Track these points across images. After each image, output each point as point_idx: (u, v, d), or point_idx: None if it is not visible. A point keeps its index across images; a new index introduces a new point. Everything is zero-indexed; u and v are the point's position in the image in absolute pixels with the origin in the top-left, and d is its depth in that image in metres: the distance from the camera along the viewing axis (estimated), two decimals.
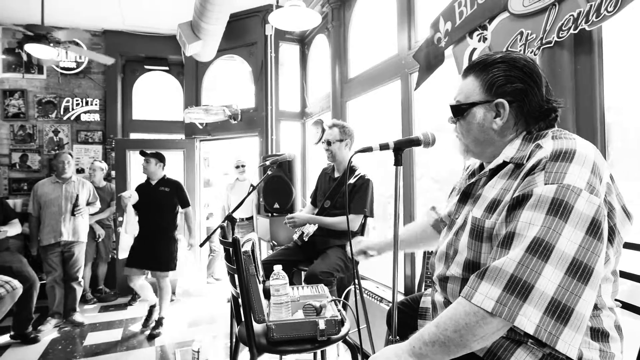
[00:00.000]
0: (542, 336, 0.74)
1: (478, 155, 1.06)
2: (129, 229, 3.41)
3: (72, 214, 3.62)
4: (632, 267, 1.09)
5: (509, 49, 1.74)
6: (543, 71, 1.01)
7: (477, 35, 1.94)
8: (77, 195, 3.66)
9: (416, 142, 1.09)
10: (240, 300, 1.27)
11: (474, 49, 1.96)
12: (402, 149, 1.08)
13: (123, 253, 3.51)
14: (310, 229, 2.25)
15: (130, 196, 3.32)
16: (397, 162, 1.06)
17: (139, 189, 3.51)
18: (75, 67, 4.76)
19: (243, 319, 1.44)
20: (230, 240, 1.22)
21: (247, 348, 1.21)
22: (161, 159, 3.53)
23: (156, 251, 3.44)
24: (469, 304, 0.81)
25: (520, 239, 0.80)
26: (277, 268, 1.33)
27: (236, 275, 1.22)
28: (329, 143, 2.35)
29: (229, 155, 5.67)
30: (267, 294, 1.36)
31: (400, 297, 2.37)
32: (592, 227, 0.77)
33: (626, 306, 1.04)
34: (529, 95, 0.95)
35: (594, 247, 0.77)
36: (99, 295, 4.50)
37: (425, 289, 2.14)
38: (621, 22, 1.48)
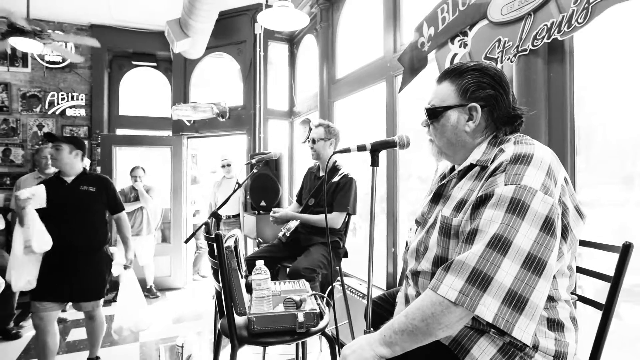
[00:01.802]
0: (499, 324, 0.81)
1: (450, 157, 1.12)
2: (37, 244, 2.25)
3: None
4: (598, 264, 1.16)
5: (488, 55, 1.81)
6: (511, 80, 1.08)
7: (459, 41, 2.00)
8: None
9: (392, 144, 1.14)
10: (222, 293, 1.31)
11: (455, 54, 2.03)
12: (378, 151, 1.13)
13: (18, 280, 2.34)
14: (292, 224, 2.32)
15: (32, 196, 2.26)
16: (374, 163, 1.12)
17: (48, 187, 2.39)
18: (60, 60, 4.70)
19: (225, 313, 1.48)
20: (213, 235, 1.26)
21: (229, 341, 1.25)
22: (79, 145, 2.53)
23: (81, 275, 2.46)
24: (435, 295, 0.87)
25: (482, 235, 0.87)
26: (259, 263, 1.37)
27: (218, 269, 1.26)
28: (313, 141, 2.40)
29: (217, 152, 5.68)
30: (250, 289, 1.40)
31: (379, 292, 2.44)
32: (545, 225, 0.84)
33: (582, 299, 1.11)
34: (499, 101, 1.03)
35: (547, 242, 0.84)
36: None
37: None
38: (594, 33, 1.56)
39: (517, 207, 0.85)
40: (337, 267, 2.39)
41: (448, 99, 1.06)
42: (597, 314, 1.05)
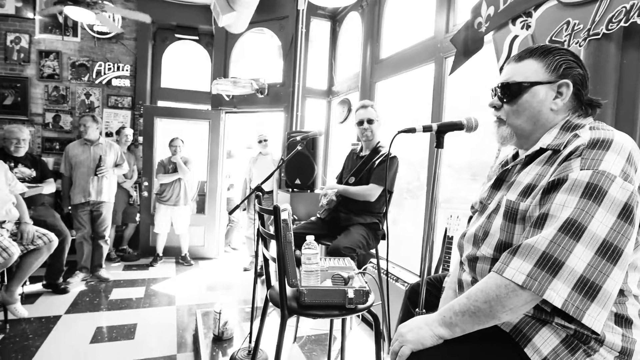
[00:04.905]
0: (569, 310, 0.79)
1: (523, 140, 1.08)
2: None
3: (95, 174, 3.74)
4: None
5: (554, 38, 1.71)
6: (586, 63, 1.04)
7: (521, 22, 1.90)
8: (100, 157, 3.78)
9: (459, 126, 1.11)
10: (274, 264, 1.35)
11: (516, 36, 1.93)
12: (444, 132, 1.11)
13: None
14: (334, 198, 2.35)
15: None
16: (439, 145, 1.09)
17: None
18: (109, 31, 4.82)
19: (273, 283, 1.53)
20: (270, 208, 1.29)
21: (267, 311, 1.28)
22: None
23: None
24: (500, 278, 0.87)
25: (553, 219, 0.85)
26: (310, 238, 1.40)
27: (273, 241, 1.29)
28: (369, 122, 2.38)
29: (253, 129, 5.73)
30: (298, 263, 1.43)
31: (417, 279, 2.43)
32: (624, 212, 0.81)
33: None
34: (585, 82, 1.01)
35: (624, 230, 0.81)
36: (123, 255, 4.72)
37: (442, 271, 2.20)
38: None
39: (593, 193, 0.82)
40: (375, 249, 2.39)
41: (534, 75, 1.02)
42: None
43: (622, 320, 0.92)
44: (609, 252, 0.80)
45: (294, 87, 4.34)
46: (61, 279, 3.55)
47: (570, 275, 0.80)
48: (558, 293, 0.80)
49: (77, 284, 3.70)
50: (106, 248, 3.99)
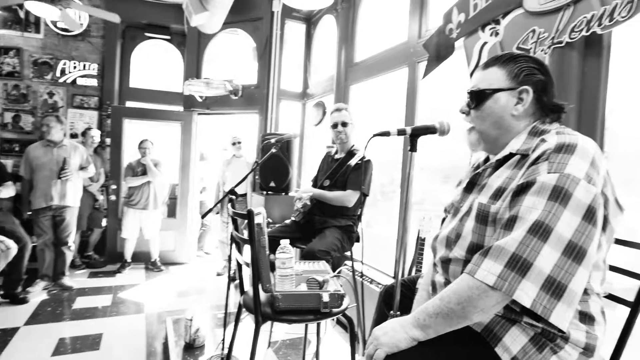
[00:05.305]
0: (537, 309, 0.81)
1: (491, 145, 1.11)
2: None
3: (59, 177, 3.57)
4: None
5: (520, 45, 1.77)
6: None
7: (490, 29, 1.96)
8: (65, 159, 3.62)
9: (432, 130, 1.13)
10: (248, 269, 1.32)
11: (485, 43, 1.99)
12: (418, 136, 1.12)
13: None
14: (308, 202, 2.36)
15: None
16: (413, 148, 1.11)
17: None
18: (71, 30, 4.61)
19: (247, 288, 1.49)
20: (244, 212, 1.26)
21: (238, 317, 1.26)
22: None
23: None
24: (472, 279, 0.88)
25: (522, 221, 0.87)
26: (284, 242, 1.38)
27: (246, 246, 1.27)
28: (343, 124, 2.39)
29: (227, 131, 5.64)
30: (273, 267, 1.40)
31: (390, 280, 2.45)
32: (588, 214, 0.85)
33: (609, 296, 1.11)
34: (547, 88, 1.04)
35: (588, 231, 0.84)
36: (88, 262, 4.52)
37: (415, 273, 2.22)
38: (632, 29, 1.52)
39: (559, 195, 0.85)
40: (349, 251, 2.40)
41: (497, 82, 1.06)
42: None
43: (586, 318, 0.95)
44: (574, 252, 0.83)
45: (268, 89, 4.31)
46: (20, 289, 3.35)
47: (538, 276, 0.82)
48: (527, 293, 0.82)
49: (37, 294, 3.50)
50: (70, 255, 3.81)
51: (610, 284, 1.07)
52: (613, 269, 1.12)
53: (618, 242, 1.10)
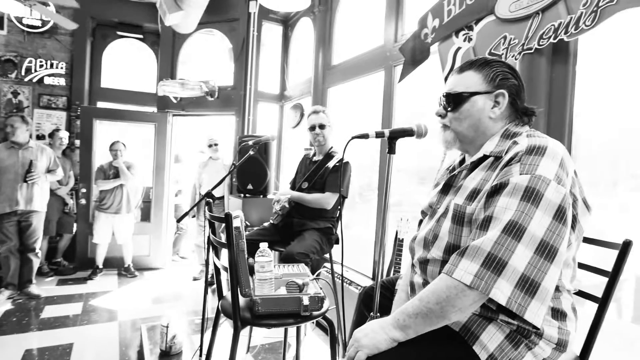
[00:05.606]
0: (512, 307, 0.84)
1: (466, 145, 1.14)
2: None
3: (24, 180, 3.42)
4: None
5: (492, 51, 1.83)
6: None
7: (463, 35, 2.01)
8: (31, 161, 3.46)
9: (410, 133, 1.14)
10: (227, 274, 1.29)
11: (459, 48, 2.04)
12: (396, 138, 1.13)
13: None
14: (287, 205, 2.35)
15: None
16: (391, 151, 1.12)
17: None
18: (40, 25, 4.43)
19: (225, 293, 1.47)
20: (222, 215, 1.24)
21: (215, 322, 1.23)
22: None
23: None
24: (449, 279, 0.90)
25: (497, 221, 0.90)
26: (263, 245, 1.36)
27: (224, 250, 1.24)
28: (321, 127, 2.39)
29: (203, 132, 5.54)
30: (252, 271, 1.39)
31: (369, 281, 2.47)
32: (558, 213, 0.88)
33: (579, 292, 1.16)
34: (520, 92, 1.09)
35: (559, 230, 0.88)
36: (57, 268, 4.34)
37: (393, 274, 2.25)
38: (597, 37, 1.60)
39: (531, 196, 0.88)
40: (328, 254, 2.40)
41: (474, 85, 1.09)
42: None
43: (558, 314, 0.99)
44: (546, 251, 0.86)
45: (245, 91, 4.27)
46: None
47: (513, 274, 0.85)
48: (502, 291, 0.84)
49: (1, 303, 3.33)
50: (37, 261, 3.64)
51: (580, 281, 1.11)
52: (582, 266, 1.17)
53: (586, 240, 1.14)
